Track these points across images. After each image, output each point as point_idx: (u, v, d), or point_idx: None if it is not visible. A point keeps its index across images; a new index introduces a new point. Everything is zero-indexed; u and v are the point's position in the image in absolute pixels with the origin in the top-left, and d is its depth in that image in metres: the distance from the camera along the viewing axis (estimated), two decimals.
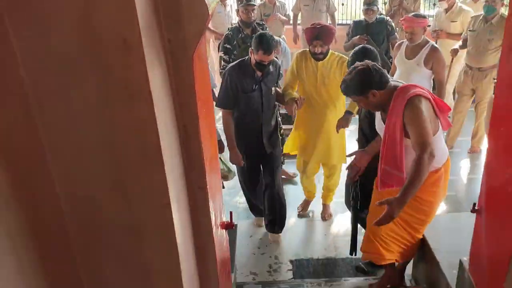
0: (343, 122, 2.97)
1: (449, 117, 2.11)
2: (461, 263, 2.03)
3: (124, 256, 1.20)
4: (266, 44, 2.66)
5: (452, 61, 4.36)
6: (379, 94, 2.03)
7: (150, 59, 0.94)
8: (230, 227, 1.66)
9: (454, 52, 4.22)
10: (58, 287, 1.13)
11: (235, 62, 2.91)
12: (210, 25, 4.86)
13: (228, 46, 3.68)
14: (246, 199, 3.41)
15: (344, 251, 3.09)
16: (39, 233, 1.06)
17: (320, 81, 3.02)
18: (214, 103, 2.71)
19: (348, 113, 2.98)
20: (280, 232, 3.27)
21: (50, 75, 0.92)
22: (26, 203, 1.01)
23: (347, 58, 2.87)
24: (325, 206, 3.55)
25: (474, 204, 1.90)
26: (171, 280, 1.21)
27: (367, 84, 2.02)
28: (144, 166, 1.07)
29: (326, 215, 3.52)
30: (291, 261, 3.09)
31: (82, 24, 0.88)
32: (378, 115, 2.22)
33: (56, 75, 0.92)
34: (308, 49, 3.06)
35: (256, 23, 3.84)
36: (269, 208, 3.18)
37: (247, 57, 2.85)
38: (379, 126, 2.21)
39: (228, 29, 3.92)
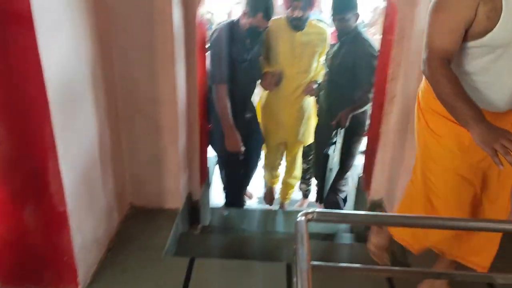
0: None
1: None
2: None
3: (148, 116, 2.13)
4: (269, 6, 2.23)
5: None
6: None
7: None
8: None
9: None
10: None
11: (224, 22, 2.45)
12: None
13: None
14: (231, 192, 3.05)
15: None
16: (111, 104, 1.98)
17: (298, 54, 2.63)
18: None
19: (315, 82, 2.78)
20: None
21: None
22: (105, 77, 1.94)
23: (326, 34, 2.68)
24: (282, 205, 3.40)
25: None
26: (172, 133, 2.16)
27: None
28: (163, 56, 2.00)
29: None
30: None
31: None
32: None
33: None
34: (282, 17, 2.60)
35: None
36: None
37: (236, 18, 2.40)
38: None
39: None
